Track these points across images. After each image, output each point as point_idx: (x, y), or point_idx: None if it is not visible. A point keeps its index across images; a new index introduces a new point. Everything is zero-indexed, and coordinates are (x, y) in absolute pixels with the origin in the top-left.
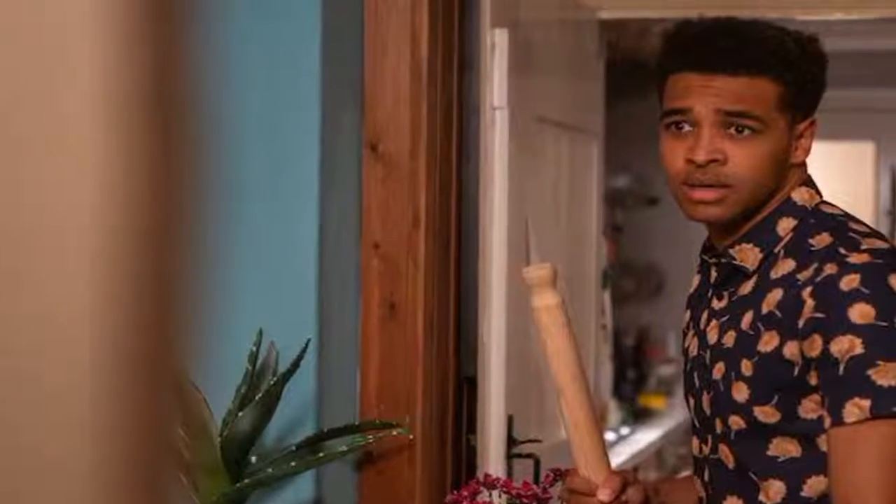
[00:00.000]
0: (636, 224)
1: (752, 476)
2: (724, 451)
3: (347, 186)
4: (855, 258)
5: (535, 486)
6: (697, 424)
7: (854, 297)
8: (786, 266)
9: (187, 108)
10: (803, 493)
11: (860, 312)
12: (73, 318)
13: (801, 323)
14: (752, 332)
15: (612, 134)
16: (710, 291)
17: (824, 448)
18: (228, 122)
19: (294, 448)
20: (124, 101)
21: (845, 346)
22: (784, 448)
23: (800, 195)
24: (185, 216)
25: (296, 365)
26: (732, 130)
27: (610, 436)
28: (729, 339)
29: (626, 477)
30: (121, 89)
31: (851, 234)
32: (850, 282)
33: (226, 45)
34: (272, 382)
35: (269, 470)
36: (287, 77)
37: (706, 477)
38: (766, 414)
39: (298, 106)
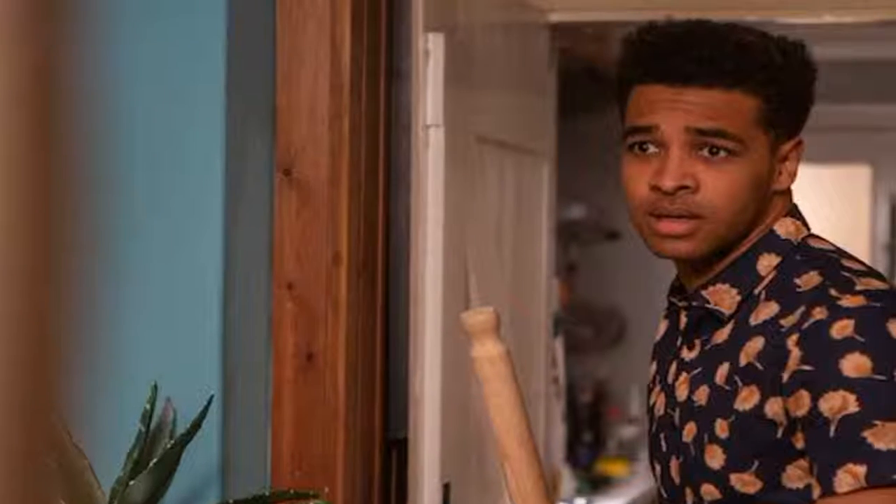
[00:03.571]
0: (593, 262)
1: None
2: None
3: (257, 217)
4: (848, 301)
5: None
6: (665, 495)
7: (847, 346)
8: (768, 310)
9: (68, 123)
10: None
11: (854, 364)
12: None
13: (785, 376)
14: (728, 388)
15: (566, 156)
16: (680, 340)
17: None
18: (116, 141)
19: None
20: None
21: (837, 403)
22: None
23: (784, 228)
24: (64, 244)
25: (197, 425)
26: (705, 152)
27: None
28: (701, 395)
29: None
30: None
31: (844, 272)
32: (842, 329)
33: (114, 48)
34: (169, 446)
35: None
36: (185, 89)
37: None
38: (745, 483)
39: (199, 123)
